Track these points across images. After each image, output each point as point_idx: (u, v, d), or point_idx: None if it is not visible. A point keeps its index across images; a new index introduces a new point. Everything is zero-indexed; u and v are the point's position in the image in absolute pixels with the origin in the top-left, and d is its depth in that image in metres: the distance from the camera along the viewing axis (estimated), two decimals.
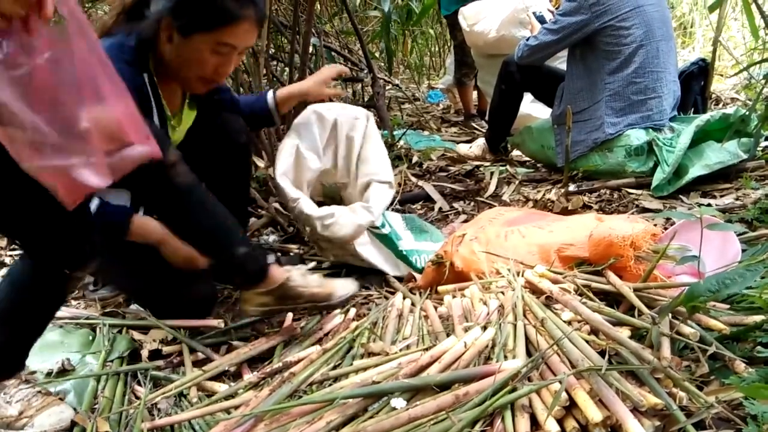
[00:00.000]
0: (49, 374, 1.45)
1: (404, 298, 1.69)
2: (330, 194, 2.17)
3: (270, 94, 1.92)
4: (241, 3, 1.39)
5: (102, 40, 1.51)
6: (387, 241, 1.97)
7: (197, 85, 1.54)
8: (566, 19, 2.60)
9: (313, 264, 2.05)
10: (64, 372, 1.47)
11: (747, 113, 2.35)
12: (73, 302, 1.95)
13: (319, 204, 2.13)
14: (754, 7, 2.16)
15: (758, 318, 1.19)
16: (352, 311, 1.68)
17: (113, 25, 1.49)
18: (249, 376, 1.40)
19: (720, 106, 3.72)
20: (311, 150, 1.98)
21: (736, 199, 2.21)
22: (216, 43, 1.41)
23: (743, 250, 1.56)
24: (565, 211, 2.25)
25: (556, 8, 3.28)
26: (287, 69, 3.00)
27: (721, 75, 4.45)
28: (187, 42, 1.41)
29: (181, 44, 1.42)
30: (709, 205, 2.19)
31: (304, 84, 1.98)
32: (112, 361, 1.52)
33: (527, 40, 2.81)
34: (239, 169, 1.93)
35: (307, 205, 1.86)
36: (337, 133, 2.02)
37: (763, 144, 2.60)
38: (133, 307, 1.82)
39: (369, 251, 1.95)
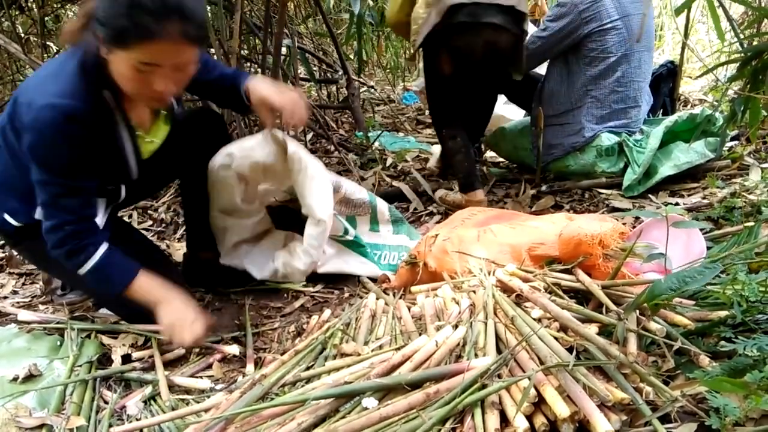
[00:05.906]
0: (15, 380, 1.43)
1: (377, 298, 1.69)
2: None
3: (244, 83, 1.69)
4: (159, 18, 1.21)
5: (65, 61, 1.40)
6: (353, 246, 1.99)
7: (145, 102, 1.44)
8: (556, 24, 2.55)
9: None
10: (31, 378, 1.45)
11: (713, 114, 2.40)
12: (41, 307, 1.92)
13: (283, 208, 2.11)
14: (719, 9, 2.20)
15: (722, 313, 1.21)
16: (327, 312, 1.68)
17: (80, 37, 1.37)
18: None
19: (688, 107, 3.78)
20: (233, 216, 1.96)
21: (703, 198, 2.25)
22: (137, 60, 1.26)
23: (709, 248, 1.59)
24: (536, 211, 2.27)
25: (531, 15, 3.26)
26: (260, 71, 2.98)
27: (690, 77, 4.52)
28: (112, 58, 1.29)
29: (111, 60, 1.30)
30: (676, 204, 2.23)
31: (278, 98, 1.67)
32: (80, 366, 1.50)
33: None
34: (218, 138, 1.86)
35: (254, 270, 1.94)
36: (253, 177, 1.91)
37: (729, 144, 2.67)
38: (103, 311, 1.80)
39: (334, 265, 1.96)
